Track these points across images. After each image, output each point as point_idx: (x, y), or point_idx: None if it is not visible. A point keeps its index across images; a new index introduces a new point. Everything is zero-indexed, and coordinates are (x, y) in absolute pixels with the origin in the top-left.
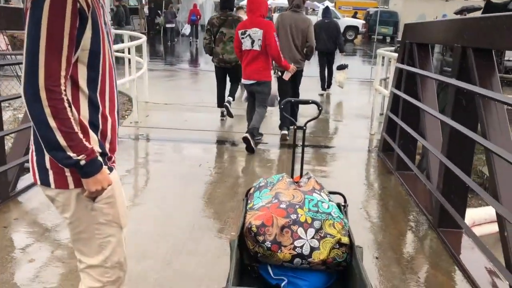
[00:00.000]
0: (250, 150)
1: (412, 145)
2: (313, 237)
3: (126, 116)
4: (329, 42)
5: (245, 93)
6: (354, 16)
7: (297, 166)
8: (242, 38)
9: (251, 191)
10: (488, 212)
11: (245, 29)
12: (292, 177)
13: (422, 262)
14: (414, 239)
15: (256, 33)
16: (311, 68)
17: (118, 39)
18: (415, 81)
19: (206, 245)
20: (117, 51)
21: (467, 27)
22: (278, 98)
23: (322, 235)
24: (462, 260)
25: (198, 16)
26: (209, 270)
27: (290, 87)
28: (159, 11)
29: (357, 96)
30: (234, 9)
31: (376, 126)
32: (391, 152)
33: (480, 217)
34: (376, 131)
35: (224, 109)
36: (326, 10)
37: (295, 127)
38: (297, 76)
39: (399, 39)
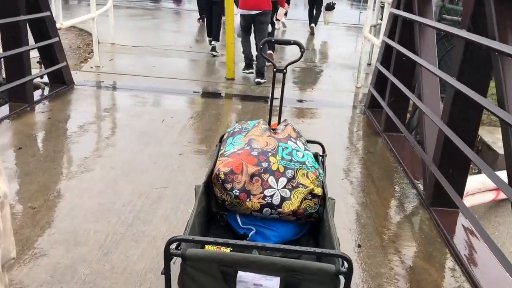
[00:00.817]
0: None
1: (404, 104)
2: (284, 187)
3: (88, 60)
4: None
5: (237, 23)
6: None
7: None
8: None
9: (225, 136)
10: (482, 181)
11: None
12: (269, 124)
13: (412, 252)
14: (403, 220)
15: None
16: (298, 11)
17: None
18: (412, 31)
19: (156, 227)
20: None
21: None
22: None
23: (294, 185)
24: (459, 252)
25: None
26: (159, 261)
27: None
28: None
29: (343, 43)
30: None
31: (363, 78)
32: (379, 109)
33: (474, 186)
34: (362, 84)
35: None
36: None
37: (275, 69)
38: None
39: None
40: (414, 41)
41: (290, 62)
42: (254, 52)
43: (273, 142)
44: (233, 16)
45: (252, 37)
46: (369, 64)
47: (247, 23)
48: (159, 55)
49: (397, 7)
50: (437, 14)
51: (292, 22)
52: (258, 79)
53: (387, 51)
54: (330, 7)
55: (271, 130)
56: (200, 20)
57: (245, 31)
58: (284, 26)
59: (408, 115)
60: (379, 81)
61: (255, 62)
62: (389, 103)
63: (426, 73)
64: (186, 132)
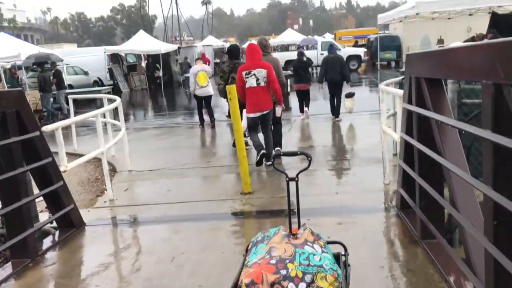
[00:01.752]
0: (259, 163)
1: (438, 207)
2: None
3: (105, 191)
4: (336, 74)
5: (244, 123)
6: (355, 45)
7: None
8: (247, 77)
9: (249, 246)
10: None
11: (249, 70)
12: (290, 229)
13: None
14: None
15: (261, 72)
16: (318, 104)
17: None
18: (430, 126)
19: None
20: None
21: (507, 55)
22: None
23: None
24: None
25: (207, 63)
26: None
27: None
28: (157, 65)
29: (366, 133)
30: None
31: (391, 172)
32: (412, 210)
33: None
34: (391, 180)
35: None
36: (331, 47)
37: (287, 178)
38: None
39: (403, 67)
40: (434, 138)
41: (301, 170)
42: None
43: (290, 248)
44: (241, 127)
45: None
46: (395, 155)
47: (256, 123)
48: (176, 177)
49: (409, 101)
50: (456, 100)
51: (314, 117)
52: (269, 163)
53: (408, 146)
54: (350, 95)
55: (291, 236)
56: (201, 126)
57: (253, 130)
58: (307, 117)
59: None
60: (406, 180)
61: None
62: (421, 206)
63: (456, 178)
64: (199, 273)
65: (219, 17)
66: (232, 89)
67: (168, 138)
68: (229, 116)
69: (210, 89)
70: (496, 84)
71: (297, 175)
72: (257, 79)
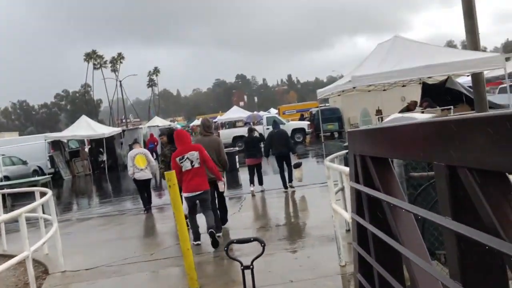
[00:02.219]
0: (215, 245)
1: None
2: None
3: None
4: (282, 147)
5: (185, 205)
6: (301, 119)
7: None
8: (181, 162)
9: None
10: None
11: (182, 155)
12: None
13: None
14: None
15: (193, 154)
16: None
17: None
18: (382, 207)
19: None
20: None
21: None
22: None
23: None
24: None
25: (155, 143)
26: None
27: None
28: (101, 149)
29: (317, 207)
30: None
31: (346, 252)
32: None
33: None
34: (347, 261)
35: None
36: (274, 122)
37: (242, 267)
38: (214, 184)
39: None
40: (388, 221)
41: (255, 256)
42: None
43: None
44: (183, 216)
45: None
46: (348, 230)
47: (193, 204)
48: (116, 275)
49: (356, 180)
50: (403, 174)
51: (265, 192)
52: (218, 234)
53: (360, 229)
54: (298, 165)
55: None
56: (145, 212)
57: (192, 213)
58: (260, 190)
59: None
60: (363, 264)
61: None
62: None
63: (417, 267)
64: None
65: (165, 98)
66: (171, 175)
67: (110, 228)
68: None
69: (148, 173)
70: (450, 166)
71: (251, 263)
72: (191, 162)
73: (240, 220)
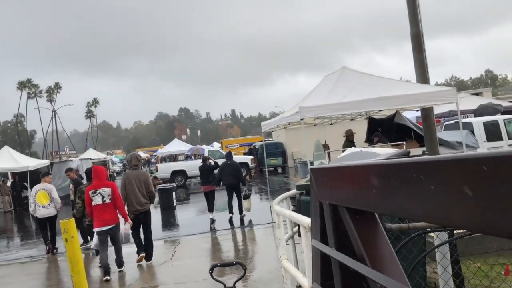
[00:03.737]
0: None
1: None
2: None
3: None
4: (232, 178)
5: (95, 241)
6: (247, 153)
7: None
8: (93, 196)
9: None
10: None
11: (95, 189)
12: None
13: None
14: None
15: (106, 191)
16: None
17: None
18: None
19: None
20: None
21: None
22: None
23: None
24: None
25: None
26: None
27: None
28: (25, 183)
29: (263, 254)
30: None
31: None
32: None
33: None
34: None
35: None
36: (229, 154)
37: None
38: (147, 216)
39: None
40: None
41: (237, 278)
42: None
43: None
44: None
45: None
46: (299, 287)
47: (104, 236)
48: None
49: (323, 240)
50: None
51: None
52: (120, 269)
53: None
54: (247, 196)
55: None
56: (49, 252)
57: (101, 245)
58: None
59: None
60: None
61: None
62: None
63: None
64: None
65: (105, 130)
66: (67, 225)
67: (14, 282)
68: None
69: (52, 209)
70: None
71: (234, 284)
72: (103, 197)
73: (171, 272)
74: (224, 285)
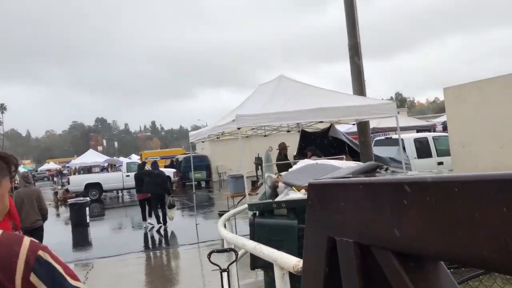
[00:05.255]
0: None
1: None
2: None
3: None
4: (158, 188)
5: None
6: (169, 166)
7: None
8: None
9: None
10: None
11: None
12: None
13: None
14: None
15: None
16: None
17: None
18: None
19: None
20: None
21: None
22: None
23: None
24: None
25: None
26: None
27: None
28: None
29: (190, 285)
30: None
31: None
32: None
33: None
34: None
35: None
36: (154, 163)
37: (220, 270)
38: (38, 231)
39: (308, 192)
40: None
41: (231, 262)
42: None
43: None
44: None
45: None
46: None
47: None
48: None
49: None
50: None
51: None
52: None
53: None
54: (171, 206)
55: None
56: None
57: None
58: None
59: None
60: None
61: None
62: None
63: None
64: None
65: (13, 139)
66: None
67: None
68: None
69: None
70: None
71: (228, 267)
72: None
73: None
74: (219, 267)
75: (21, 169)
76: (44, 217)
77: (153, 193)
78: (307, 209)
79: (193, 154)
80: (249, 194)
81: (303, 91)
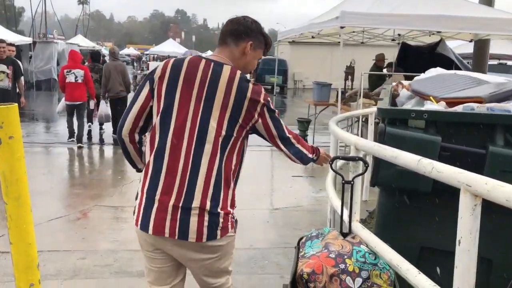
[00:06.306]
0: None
1: None
2: (360, 286)
3: None
4: None
5: (61, 106)
6: None
7: None
8: (67, 74)
9: (303, 240)
10: None
11: (70, 69)
12: (341, 230)
13: None
14: None
15: (79, 72)
16: None
17: None
18: None
19: None
20: None
21: None
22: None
23: (369, 284)
24: None
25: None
26: None
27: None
28: None
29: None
30: None
31: None
32: None
33: None
34: None
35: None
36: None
37: (343, 181)
38: (122, 100)
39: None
40: None
41: (356, 174)
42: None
43: (347, 245)
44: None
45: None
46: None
47: (71, 110)
48: None
49: None
50: None
51: None
52: (79, 144)
53: None
54: None
55: (344, 235)
56: None
57: (69, 115)
58: None
59: None
60: None
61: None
62: None
63: None
64: None
65: (97, 20)
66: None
67: None
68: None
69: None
70: None
71: (353, 179)
72: (76, 77)
73: None
74: (343, 177)
75: (103, 50)
76: (128, 89)
77: None
78: None
79: (273, 57)
80: (342, 107)
81: None
